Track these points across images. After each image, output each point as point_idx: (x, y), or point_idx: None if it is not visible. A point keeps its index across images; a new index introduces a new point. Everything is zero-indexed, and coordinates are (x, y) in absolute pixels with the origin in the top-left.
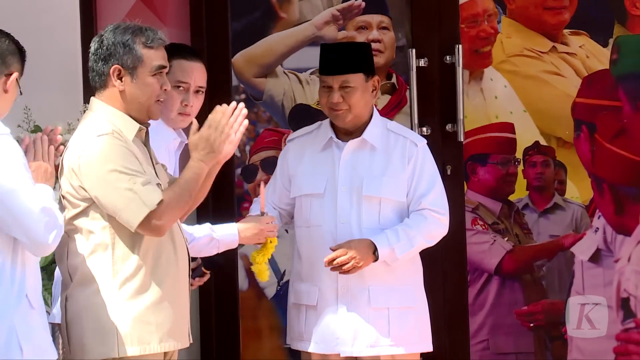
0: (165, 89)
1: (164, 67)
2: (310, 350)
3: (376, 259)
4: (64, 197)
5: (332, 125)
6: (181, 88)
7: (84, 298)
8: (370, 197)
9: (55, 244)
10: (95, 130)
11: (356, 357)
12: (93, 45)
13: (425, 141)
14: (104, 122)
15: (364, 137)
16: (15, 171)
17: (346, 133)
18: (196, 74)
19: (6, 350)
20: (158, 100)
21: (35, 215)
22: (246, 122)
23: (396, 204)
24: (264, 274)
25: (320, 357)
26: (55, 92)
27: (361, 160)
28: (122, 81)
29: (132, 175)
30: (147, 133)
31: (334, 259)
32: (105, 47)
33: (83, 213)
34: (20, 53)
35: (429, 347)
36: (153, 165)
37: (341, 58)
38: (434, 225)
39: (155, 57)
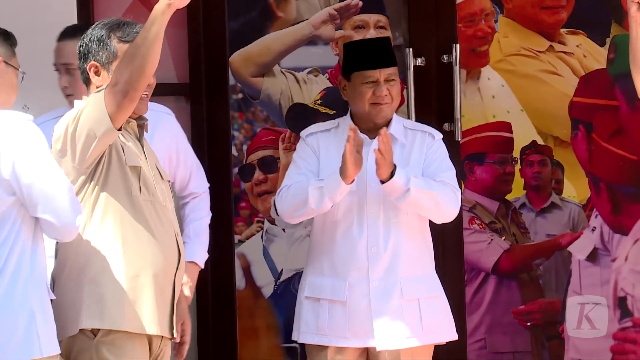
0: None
1: None
2: (341, 345)
3: (391, 177)
4: None
5: (353, 121)
6: (57, 70)
7: (64, 279)
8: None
9: (78, 229)
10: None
11: (367, 352)
12: (78, 44)
13: (442, 135)
14: None
15: (392, 132)
16: (43, 154)
17: (369, 130)
18: (58, 53)
19: (27, 341)
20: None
21: (65, 195)
22: None
23: None
24: None
25: (336, 352)
26: (53, 90)
27: None
28: (100, 77)
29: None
30: (141, 127)
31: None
32: (84, 45)
33: None
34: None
35: (455, 335)
36: (147, 160)
37: (382, 52)
38: (450, 193)
39: None
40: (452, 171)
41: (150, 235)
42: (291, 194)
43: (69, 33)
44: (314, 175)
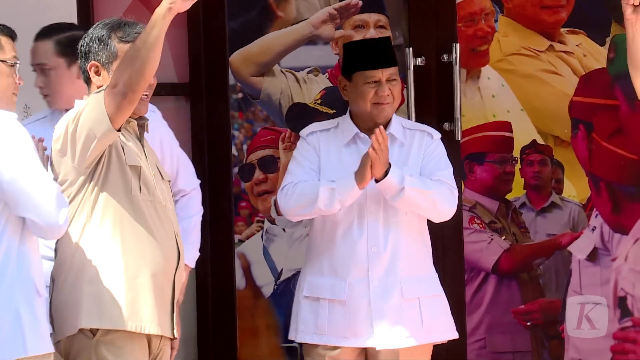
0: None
1: None
2: (342, 345)
3: (385, 175)
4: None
5: (353, 121)
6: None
7: (62, 279)
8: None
9: (66, 226)
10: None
11: (366, 352)
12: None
13: (440, 135)
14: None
15: (391, 132)
16: (25, 152)
17: (369, 129)
18: (33, 53)
19: (11, 340)
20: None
21: (47, 193)
22: None
23: None
24: None
25: (334, 351)
26: None
27: None
28: (100, 77)
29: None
30: (142, 127)
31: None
32: (85, 45)
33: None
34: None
35: (456, 334)
36: (147, 160)
37: (384, 52)
38: (447, 192)
39: None
40: (449, 169)
41: (149, 235)
42: (298, 192)
43: (44, 33)
44: (317, 174)
